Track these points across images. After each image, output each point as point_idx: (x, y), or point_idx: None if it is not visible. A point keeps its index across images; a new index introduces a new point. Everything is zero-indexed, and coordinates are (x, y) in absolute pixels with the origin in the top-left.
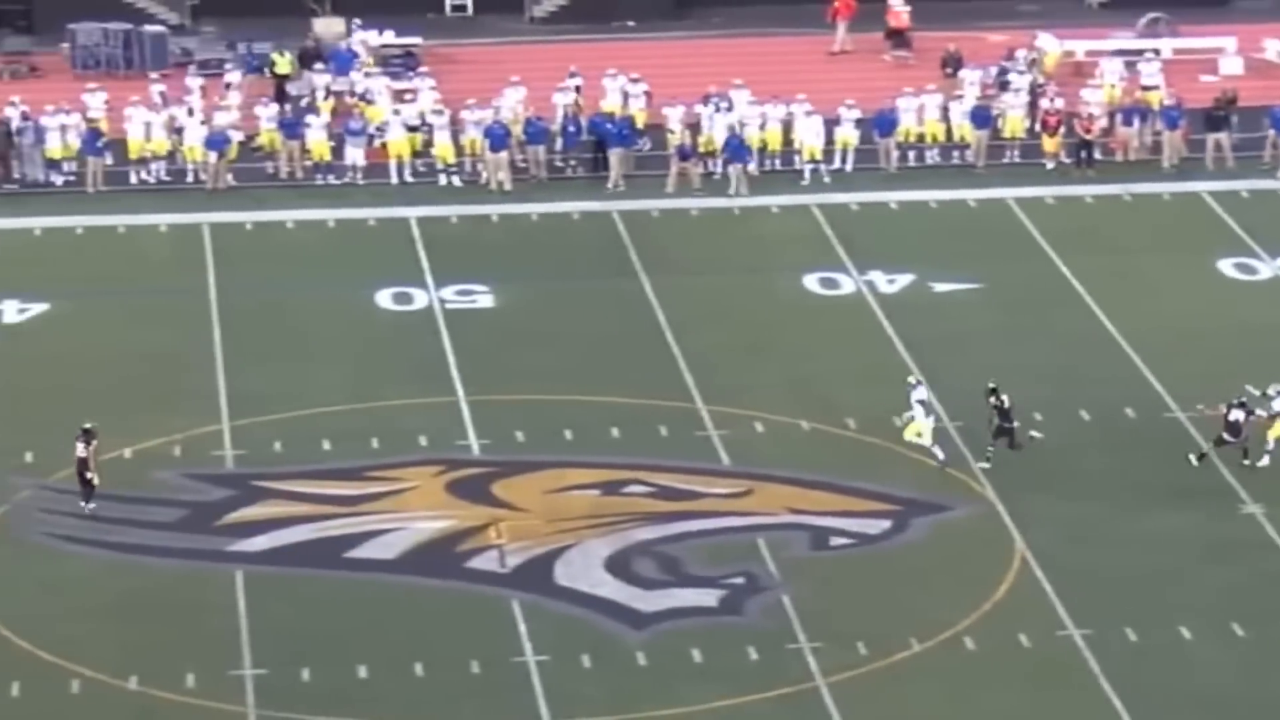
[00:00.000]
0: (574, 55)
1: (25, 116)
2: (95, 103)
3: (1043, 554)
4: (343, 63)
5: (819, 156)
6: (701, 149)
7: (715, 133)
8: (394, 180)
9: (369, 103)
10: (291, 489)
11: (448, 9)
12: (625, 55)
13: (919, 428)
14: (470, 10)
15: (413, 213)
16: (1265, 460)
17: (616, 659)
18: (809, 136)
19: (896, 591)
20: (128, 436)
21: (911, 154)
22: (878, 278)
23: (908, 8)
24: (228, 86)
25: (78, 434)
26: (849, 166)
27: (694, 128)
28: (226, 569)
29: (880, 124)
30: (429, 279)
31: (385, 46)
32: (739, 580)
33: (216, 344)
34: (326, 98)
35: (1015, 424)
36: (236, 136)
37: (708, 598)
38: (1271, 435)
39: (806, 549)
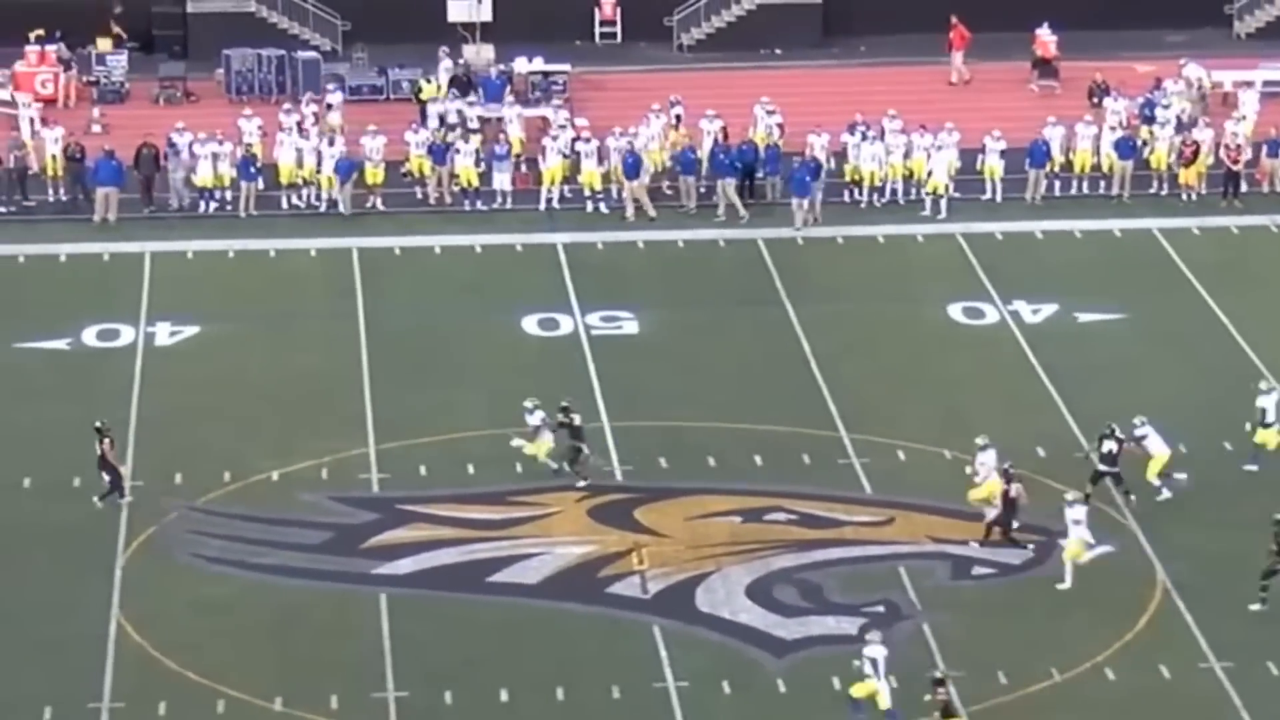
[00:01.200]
0: (720, 83)
1: (171, 143)
2: (250, 128)
3: (1184, 585)
4: (491, 89)
5: (941, 190)
6: (848, 177)
7: (861, 162)
8: (542, 206)
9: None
10: (436, 513)
11: (597, 36)
12: (771, 84)
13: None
14: (619, 38)
15: (560, 239)
16: None
17: (757, 686)
18: (938, 169)
19: (1037, 621)
20: (275, 459)
21: (1057, 184)
22: (1022, 307)
23: (1055, 37)
24: (329, 108)
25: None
26: (998, 197)
27: (839, 155)
28: (371, 592)
29: (1033, 154)
30: (575, 305)
31: (533, 73)
32: (880, 608)
33: (364, 367)
34: (474, 124)
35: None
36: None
37: (849, 626)
38: None
39: (947, 578)
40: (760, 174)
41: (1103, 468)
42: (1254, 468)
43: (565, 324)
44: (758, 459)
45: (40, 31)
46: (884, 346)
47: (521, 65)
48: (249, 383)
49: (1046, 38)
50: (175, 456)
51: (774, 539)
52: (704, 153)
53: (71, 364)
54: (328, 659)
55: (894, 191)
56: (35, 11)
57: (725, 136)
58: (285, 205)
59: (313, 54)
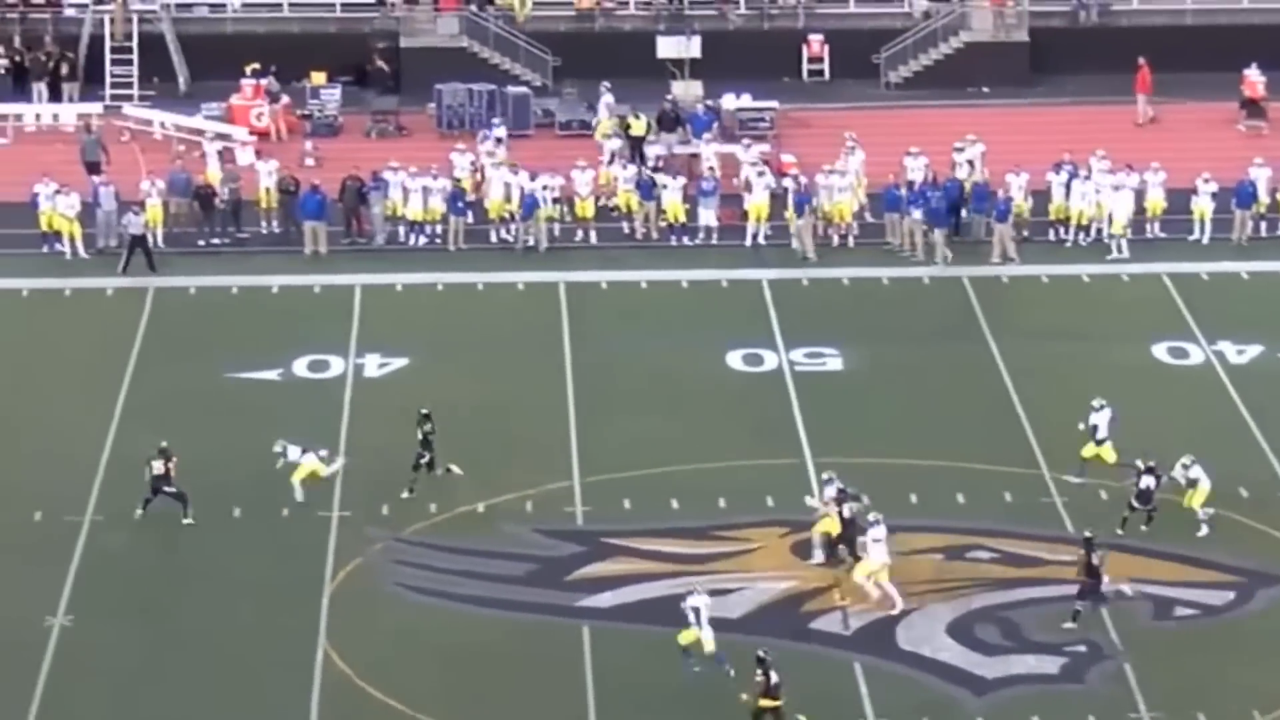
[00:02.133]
0: (926, 121)
1: (376, 177)
2: (461, 162)
3: None
4: (699, 126)
5: (1121, 232)
6: (1052, 216)
7: (1070, 201)
8: (748, 242)
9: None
10: (639, 546)
11: (805, 74)
12: (975, 122)
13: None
14: (827, 75)
15: (765, 274)
16: None
17: None
18: (1119, 209)
19: (1239, 663)
20: (480, 491)
21: (1263, 224)
22: (1226, 348)
23: (1263, 78)
24: (499, 141)
25: (154, 454)
26: (1206, 238)
27: (1041, 194)
28: (574, 624)
29: (1240, 195)
30: (779, 340)
31: (741, 110)
32: (1081, 648)
33: (569, 401)
34: (680, 160)
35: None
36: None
37: (1049, 665)
38: None
39: (1149, 618)
40: (965, 211)
41: (1136, 505)
42: (1079, 480)
43: (770, 359)
44: (960, 496)
45: (256, 65)
46: (1087, 385)
47: (729, 102)
48: (456, 414)
49: (1255, 78)
50: (382, 489)
51: (975, 577)
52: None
53: (282, 394)
54: (531, 690)
55: (1099, 231)
56: (253, 45)
57: (933, 176)
58: (494, 239)
59: (523, 89)
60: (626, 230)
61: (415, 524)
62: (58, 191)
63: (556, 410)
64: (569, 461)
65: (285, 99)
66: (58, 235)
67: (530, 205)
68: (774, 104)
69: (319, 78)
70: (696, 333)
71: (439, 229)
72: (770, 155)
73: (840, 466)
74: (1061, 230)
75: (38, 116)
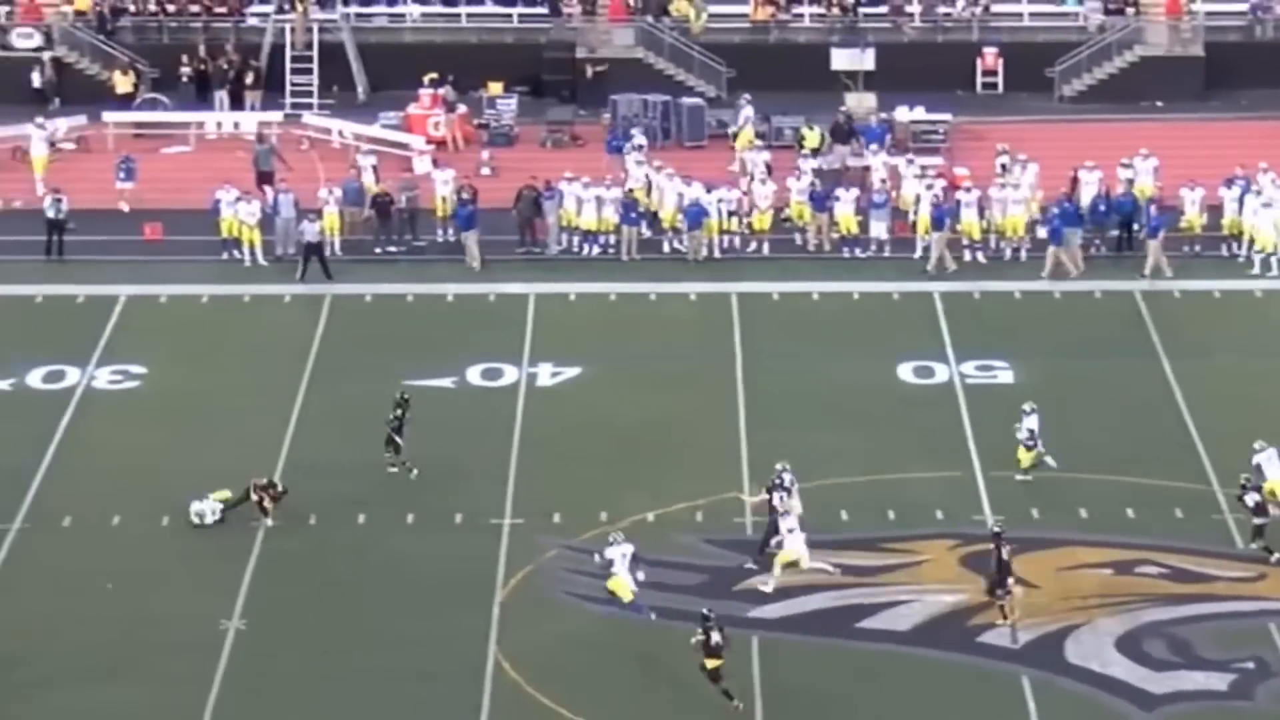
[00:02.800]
0: (1099, 135)
1: (549, 186)
2: (637, 174)
3: None
4: (872, 138)
5: (1269, 248)
6: (1226, 230)
7: (1244, 217)
8: (918, 254)
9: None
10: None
11: (979, 86)
12: (1149, 136)
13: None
14: (1000, 88)
15: (936, 287)
16: None
17: None
18: (1264, 225)
19: None
20: (651, 500)
21: None
22: None
23: None
24: (639, 148)
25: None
26: None
27: (1215, 210)
28: (743, 634)
29: None
30: (950, 353)
31: (914, 122)
32: (1249, 665)
33: (740, 411)
34: (853, 173)
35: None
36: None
37: (1218, 681)
38: None
39: None
40: (1138, 225)
41: (1257, 520)
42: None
43: (940, 372)
44: (1129, 511)
45: (434, 75)
46: (1260, 401)
47: (902, 114)
48: (627, 424)
49: None
50: (554, 495)
51: (1144, 592)
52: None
53: (456, 402)
54: (698, 700)
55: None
56: (431, 55)
57: (1106, 190)
58: (666, 249)
59: (697, 100)
60: (799, 242)
61: (586, 532)
62: (239, 199)
63: (727, 420)
64: (739, 472)
65: (462, 108)
66: (238, 242)
67: (696, 216)
68: (947, 116)
69: (495, 88)
70: (867, 344)
71: (612, 239)
72: (944, 168)
73: (1009, 480)
74: (1234, 245)
75: (219, 124)
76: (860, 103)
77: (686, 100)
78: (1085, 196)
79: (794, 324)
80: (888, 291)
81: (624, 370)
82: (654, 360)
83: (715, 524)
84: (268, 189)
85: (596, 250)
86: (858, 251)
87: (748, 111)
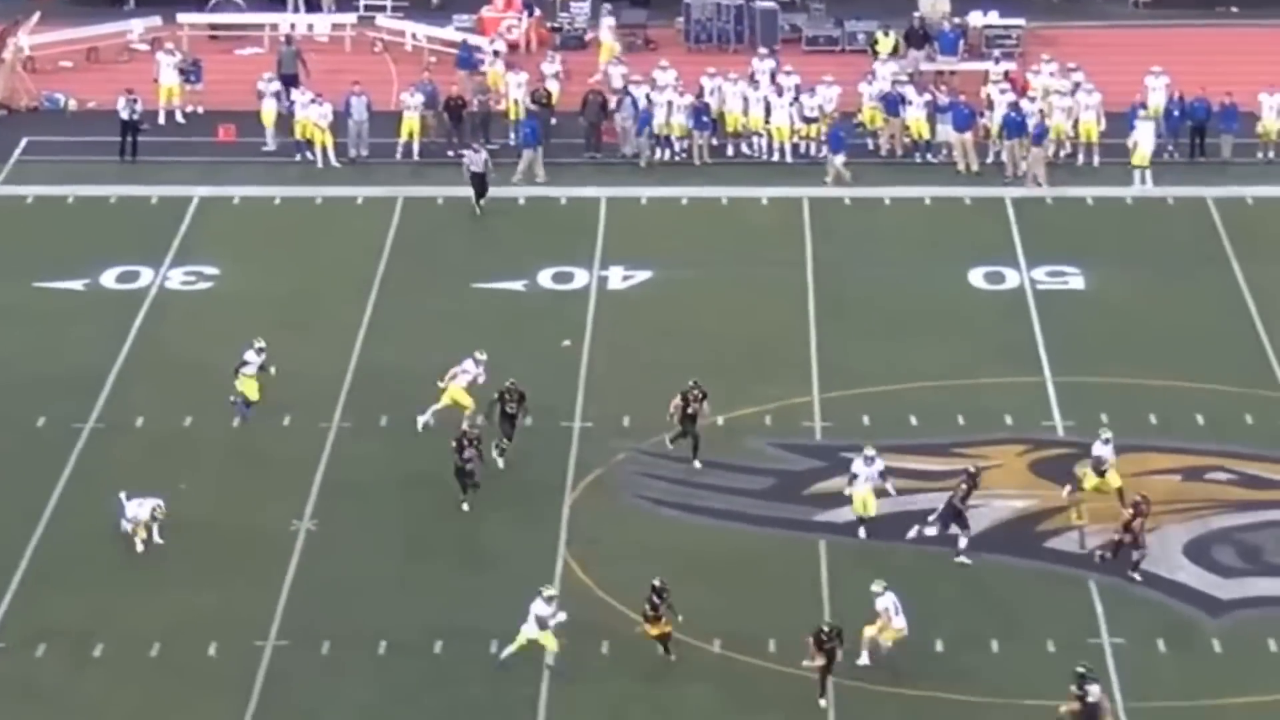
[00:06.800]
0: (1171, 40)
1: (627, 91)
2: (708, 85)
3: None
4: (945, 43)
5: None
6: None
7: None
8: (990, 159)
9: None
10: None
11: None
12: (1223, 41)
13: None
14: None
15: (1008, 193)
16: None
17: (1193, 645)
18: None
19: None
20: (721, 404)
21: None
22: None
23: None
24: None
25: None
26: None
27: None
28: (811, 538)
29: None
30: (1021, 259)
31: (988, 27)
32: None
33: (811, 316)
34: (927, 76)
35: None
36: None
37: None
38: None
39: None
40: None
41: None
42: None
43: (1011, 278)
44: (1199, 418)
45: None
46: None
47: (976, 19)
48: (698, 328)
49: None
50: (624, 399)
51: (1214, 498)
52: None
53: (526, 306)
54: (767, 603)
55: None
56: None
57: (1179, 94)
58: (731, 152)
59: (771, 4)
60: (871, 146)
61: (655, 436)
62: (312, 100)
63: (797, 325)
64: (809, 376)
65: (538, 11)
66: (310, 143)
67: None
68: (1021, 21)
69: None
70: (939, 250)
71: (684, 143)
72: (1016, 74)
73: (1080, 386)
74: None
75: (293, 26)
76: (934, 7)
77: (760, 4)
78: (1153, 102)
79: (866, 229)
80: (959, 196)
81: (695, 275)
82: (725, 265)
83: (784, 428)
84: (294, 91)
85: (669, 154)
86: (930, 157)
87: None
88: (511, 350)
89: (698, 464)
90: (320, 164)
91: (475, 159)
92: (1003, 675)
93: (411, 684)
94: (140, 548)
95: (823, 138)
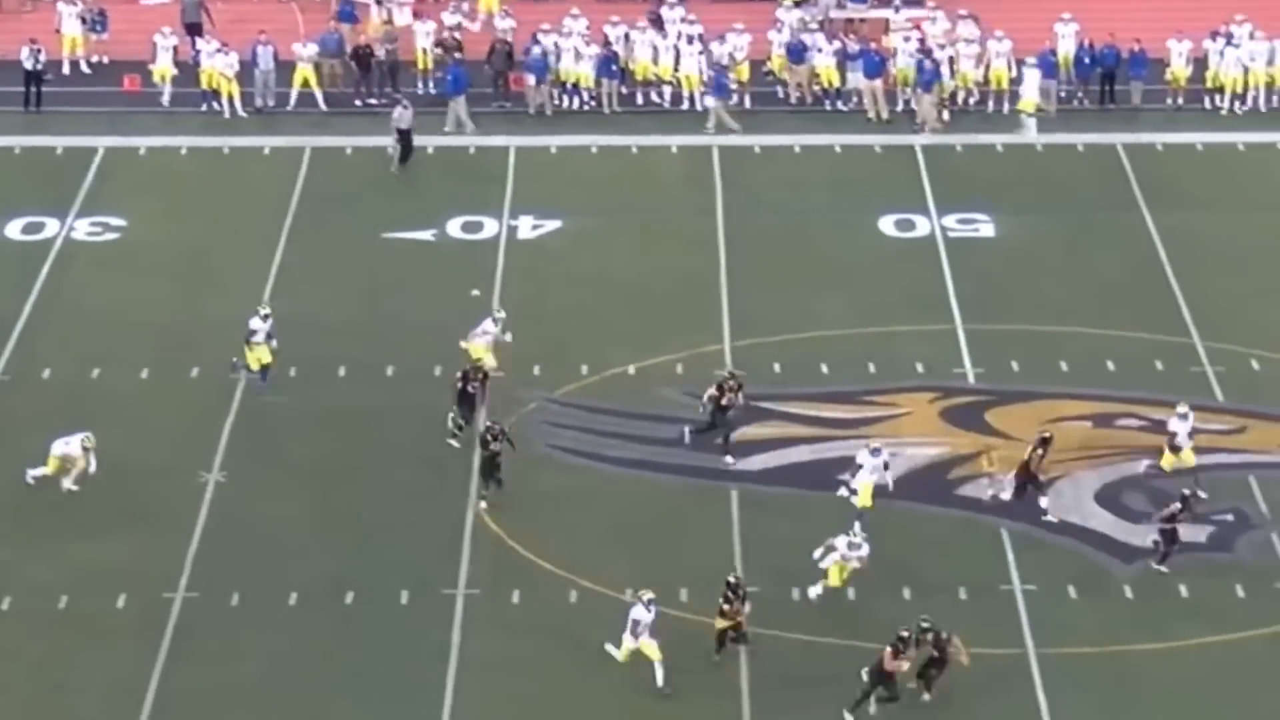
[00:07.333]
0: None
1: (536, 41)
2: (614, 34)
3: None
4: None
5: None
6: (1209, 84)
7: (1223, 69)
8: (899, 107)
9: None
10: (789, 410)
11: None
12: None
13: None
14: None
15: (918, 140)
16: None
17: (1104, 592)
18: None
19: None
20: (632, 353)
21: None
22: None
23: None
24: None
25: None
26: None
27: (1200, 62)
28: (723, 487)
29: None
30: (932, 207)
31: None
32: (1229, 517)
33: (721, 265)
34: (836, 24)
35: None
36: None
37: (1197, 534)
38: None
39: None
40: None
41: None
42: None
43: (922, 225)
44: (1110, 364)
45: None
46: (1242, 254)
47: None
48: (608, 277)
49: None
50: (535, 348)
51: (1125, 445)
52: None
53: (437, 255)
54: (678, 553)
55: (1255, 99)
56: None
57: (1089, 42)
58: (640, 101)
59: None
60: (780, 95)
61: (567, 385)
62: (218, 50)
63: (708, 274)
64: (720, 325)
65: None
66: (216, 94)
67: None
68: None
69: None
70: (849, 198)
71: (592, 93)
72: (916, 21)
73: (991, 333)
74: (1217, 98)
75: None
76: None
77: None
78: (1062, 49)
79: (775, 178)
80: (869, 144)
81: (604, 224)
82: (635, 214)
83: (696, 377)
84: (197, 40)
85: (577, 103)
86: (839, 105)
87: None
88: (421, 300)
89: (729, 459)
90: (227, 114)
91: (404, 115)
92: (915, 622)
93: (322, 636)
94: (74, 486)
95: (704, 87)
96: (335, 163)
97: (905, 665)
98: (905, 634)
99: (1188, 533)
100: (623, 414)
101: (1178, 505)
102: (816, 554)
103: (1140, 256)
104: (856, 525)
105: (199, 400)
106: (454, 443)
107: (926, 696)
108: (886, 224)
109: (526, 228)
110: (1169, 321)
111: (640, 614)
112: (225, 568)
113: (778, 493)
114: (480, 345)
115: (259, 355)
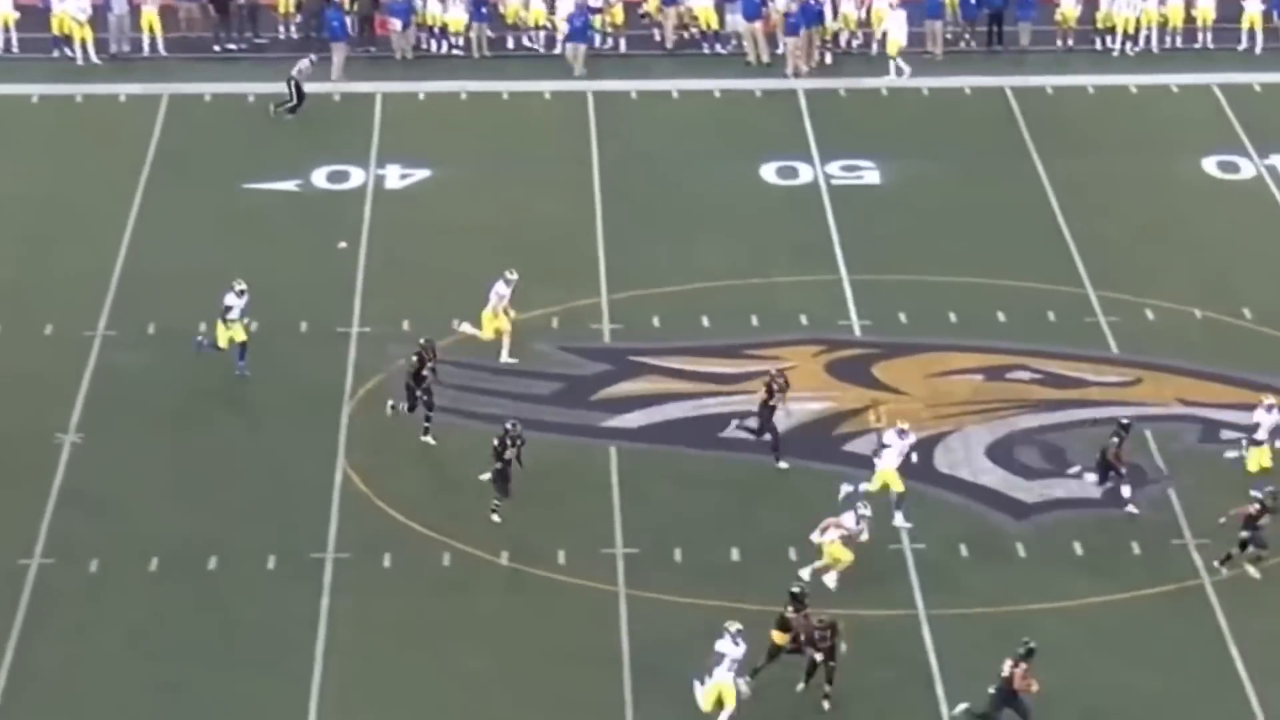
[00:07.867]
0: None
1: None
2: None
3: None
4: None
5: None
6: (1100, 24)
7: (1115, 9)
8: (780, 49)
9: None
10: (669, 365)
11: None
12: None
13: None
14: None
15: (800, 84)
16: None
17: (996, 549)
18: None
19: None
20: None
21: None
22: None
23: None
24: None
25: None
26: (1257, 48)
27: (1091, 3)
28: (601, 445)
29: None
30: (815, 153)
31: None
32: (1124, 471)
33: (597, 215)
34: None
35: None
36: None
37: (1091, 489)
38: None
39: (1195, 441)
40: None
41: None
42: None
43: (805, 173)
44: (1001, 315)
45: None
46: (1135, 201)
47: None
48: (480, 228)
49: None
50: (403, 302)
51: (1016, 398)
52: None
53: (302, 206)
54: (556, 513)
55: (1147, 39)
56: None
57: None
58: (511, 45)
59: None
60: (657, 38)
61: (437, 340)
62: None
63: (583, 224)
64: (596, 277)
65: None
66: (68, 39)
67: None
68: None
69: None
70: (729, 144)
71: (460, 40)
72: None
73: (877, 284)
74: (1108, 39)
75: None
76: None
77: None
78: None
79: (653, 124)
80: (749, 89)
81: (475, 173)
82: (507, 162)
83: (571, 331)
84: None
85: (445, 48)
86: (718, 48)
87: None
88: (285, 253)
89: (784, 464)
90: (80, 60)
91: (305, 69)
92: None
93: (184, 603)
94: None
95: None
96: (194, 110)
97: (1035, 685)
98: (796, 590)
99: (1082, 489)
100: (497, 370)
101: (1256, 506)
102: (814, 536)
103: (1031, 203)
104: (860, 488)
105: (54, 358)
106: (429, 439)
107: (801, 686)
108: (768, 171)
109: (394, 177)
110: (1061, 271)
111: (727, 647)
112: (83, 533)
113: (656, 450)
114: (489, 313)
115: (233, 333)
